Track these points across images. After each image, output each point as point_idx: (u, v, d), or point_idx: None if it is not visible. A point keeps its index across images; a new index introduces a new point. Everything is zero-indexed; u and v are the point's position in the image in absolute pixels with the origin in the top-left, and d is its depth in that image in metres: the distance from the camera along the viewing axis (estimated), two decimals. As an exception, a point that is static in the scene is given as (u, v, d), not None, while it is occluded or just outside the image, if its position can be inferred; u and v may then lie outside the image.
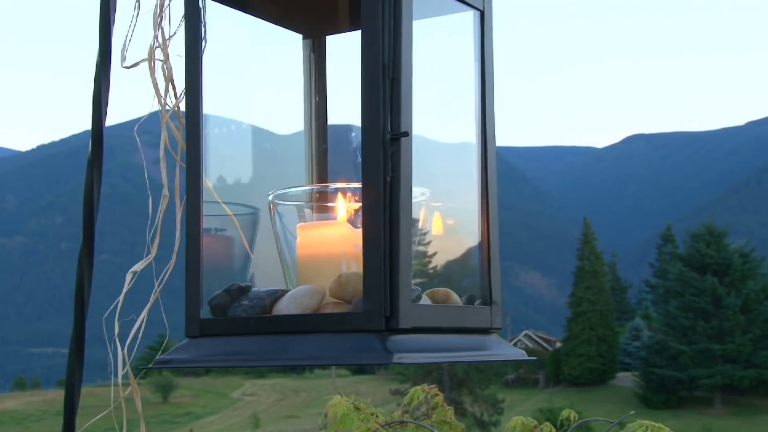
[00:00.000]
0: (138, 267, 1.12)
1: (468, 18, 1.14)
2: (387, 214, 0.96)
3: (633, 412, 1.82)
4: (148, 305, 1.12)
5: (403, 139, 0.97)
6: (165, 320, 1.13)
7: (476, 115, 1.14)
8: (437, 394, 1.78)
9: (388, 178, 0.97)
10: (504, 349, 1.09)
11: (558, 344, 52.26)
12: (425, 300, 1.06)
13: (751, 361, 40.82)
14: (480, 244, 1.12)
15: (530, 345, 54.29)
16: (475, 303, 1.11)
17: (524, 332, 58.61)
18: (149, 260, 1.12)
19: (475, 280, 1.12)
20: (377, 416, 1.70)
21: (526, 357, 1.12)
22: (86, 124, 1.17)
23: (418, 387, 1.79)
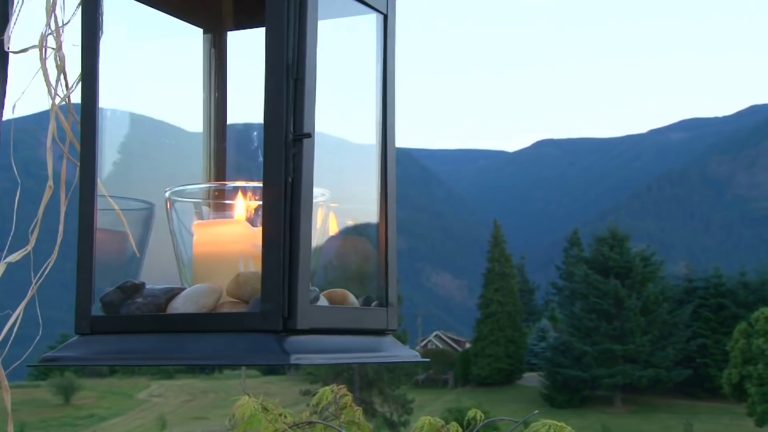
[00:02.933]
0: (13, 258, 1.08)
1: (371, 21, 1.15)
2: (287, 215, 0.95)
3: (537, 411, 1.86)
4: (25, 300, 1.08)
5: (306, 141, 0.97)
6: (39, 317, 1.10)
7: (377, 117, 1.14)
8: (346, 395, 1.78)
9: (290, 179, 0.96)
10: (399, 351, 1.10)
11: (467, 345, 53.05)
12: (322, 301, 1.05)
13: (650, 361, 42.41)
14: (378, 246, 1.12)
15: (440, 345, 54.97)
16: (372, 304, 1.11)
17: (435, 333, 59.27)
18: (26, 251, 1.08)
19: (372, 282, 1.13)
20: (285, 417, 1.69)
21: (420, 359, 1.13)
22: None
23: (327, 387, 1.79)
